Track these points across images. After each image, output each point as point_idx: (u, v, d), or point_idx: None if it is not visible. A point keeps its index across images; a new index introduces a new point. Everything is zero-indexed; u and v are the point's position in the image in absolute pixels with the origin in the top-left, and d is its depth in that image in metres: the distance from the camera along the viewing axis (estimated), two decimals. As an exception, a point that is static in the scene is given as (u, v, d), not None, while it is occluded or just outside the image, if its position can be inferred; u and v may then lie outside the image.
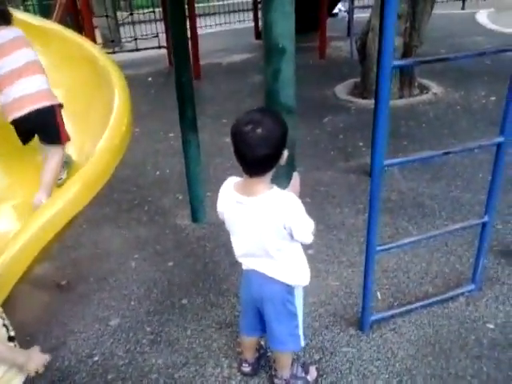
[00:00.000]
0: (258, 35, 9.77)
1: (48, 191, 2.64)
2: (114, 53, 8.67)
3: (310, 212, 3.50)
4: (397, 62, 1.92)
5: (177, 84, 3.25)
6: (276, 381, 2.17)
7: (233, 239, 1.97)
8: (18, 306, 2.73)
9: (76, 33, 3.37)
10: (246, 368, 2.25)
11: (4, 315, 1.77)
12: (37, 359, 1.71)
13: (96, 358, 2.41)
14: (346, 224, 3.36)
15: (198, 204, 3.50)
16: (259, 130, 1.66)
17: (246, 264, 1.99)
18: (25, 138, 2.77)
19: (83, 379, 2.30)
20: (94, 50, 3.06)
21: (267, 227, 1.79)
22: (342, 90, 6.21)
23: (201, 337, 2.48)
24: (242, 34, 10.82)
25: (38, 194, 2.65)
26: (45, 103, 2.68)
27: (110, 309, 2.74)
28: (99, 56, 2.97)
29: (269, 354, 2.31)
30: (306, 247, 3.03)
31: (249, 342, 2.23)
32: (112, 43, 9.08)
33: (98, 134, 2.47)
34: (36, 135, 2.78)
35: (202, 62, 7.66)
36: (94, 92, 2.92)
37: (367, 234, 2.21)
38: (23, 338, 2.52)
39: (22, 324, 2.65)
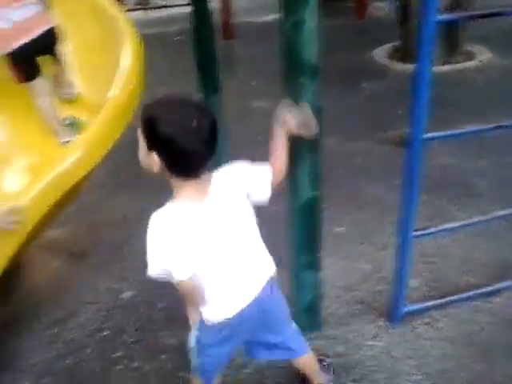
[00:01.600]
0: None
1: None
2: (143, 9, 8.43)
3: (341, 186, 3.28)
4: (441, 17, 1.64)
5: (196, 41, 3.03)
6: None
7: (213, 275, 1.45)
8: (27, 270, 2.63)
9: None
10: None
11: None
12: None
13: (105, 333, 2.29)
14: (380, 200, 3.09)
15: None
16: (206, 119, 1.31)
17: (238, 300, 1.51)
18: (27, 64, 2.65)
19: (89, 355, 2.19)
20: (105, 2, 2.85)
21: (238, 211, 1.45)
22: (380, 54, 5.83)
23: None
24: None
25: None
26: (52, 22, 2.67)
27: (122, 280, 2.61)
28: (110, 9, 2.77)
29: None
30: (335, 225, 2.84)
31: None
32: (141, -1, 8.81)
33: (106, 92, 2.30)
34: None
35: (235, 21, 7.34)
36: (103, 48, 2.73)
37: (402, 220, 1.96)
38: (31, 307, 2.43)
39: (31, 290, 2.57)
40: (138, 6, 8.48)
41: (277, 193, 1.56)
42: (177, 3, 8.70)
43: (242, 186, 1.47)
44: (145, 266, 2.64)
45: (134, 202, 3.25)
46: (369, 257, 2.63)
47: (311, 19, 1.61)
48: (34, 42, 2.55)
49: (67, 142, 2.64)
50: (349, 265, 2.58)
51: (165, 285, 2.44)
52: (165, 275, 1.39)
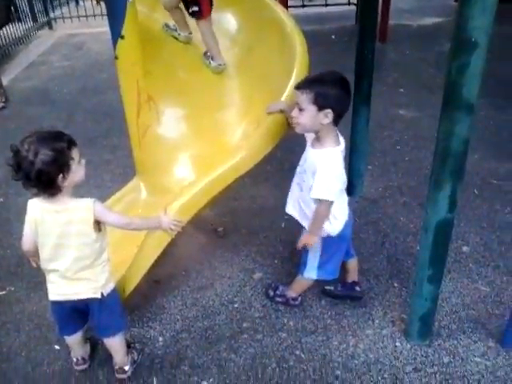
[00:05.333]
0: (458, -4, 8.95)
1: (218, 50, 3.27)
2: (303, 6, 8.70)
3: (474, 205, 3.31)
4: None
5: (357, 54, 3.15)
6: None
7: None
8: (180, 242, 3.06)
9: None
10: None
11: None
12: (165, 221, 2.17)
13: (236, 305, 2.63)
14: (513, 226, 3.08)
15: (357, 177, 3.48)
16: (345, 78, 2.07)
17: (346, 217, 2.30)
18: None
19: (221, 321, 2.53)
20: (283, 15, 3.09)
21: None
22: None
23: (333, 310, 2.55)
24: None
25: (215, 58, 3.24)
26: None
27: (255, 262, 2.93)
28: (288, 22, 2.98)
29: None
30: (462, 243, 2.91)
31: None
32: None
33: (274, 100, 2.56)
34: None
35: (390, 22, 7.28)
36: (275, 59, 2.99)
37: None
38: (179, 272, 2.87)
39: (181, 258, 3.00)
40: (300, 3, 8.74)
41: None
42: (338, 2, 8.87)
43: None
44: (276, 253, 2.96)
45: (272, 195, 3.57)
46: (490, 279, 2.67)
47: (477, 63, 1.67)
48: None
49: (217, 65, 3.25)
50: (469, 284, 2.64)
51: (291, 273, 2.75)
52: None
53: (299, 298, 2.59)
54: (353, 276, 2.60)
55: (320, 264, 2.37)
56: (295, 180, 2.32)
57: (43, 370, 2.30)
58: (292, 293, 2.58)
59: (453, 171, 1.88)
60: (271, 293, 2.65)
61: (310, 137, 2.21)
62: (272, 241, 3.12)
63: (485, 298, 2.55)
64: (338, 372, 2.21)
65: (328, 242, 2.29)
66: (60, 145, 1.79)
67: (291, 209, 2.39)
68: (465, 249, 2.89)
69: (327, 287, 2.61)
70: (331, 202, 2.11)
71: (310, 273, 2.41)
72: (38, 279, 2.71)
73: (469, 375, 2.15)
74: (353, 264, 2.58)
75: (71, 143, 1.84)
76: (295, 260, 2.90)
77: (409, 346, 2.31)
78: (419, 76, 5.83)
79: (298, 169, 2.29)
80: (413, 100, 5.16)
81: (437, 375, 2.16)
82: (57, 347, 2.41)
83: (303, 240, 2.26)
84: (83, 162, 1.91)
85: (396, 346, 2.31)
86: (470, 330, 2.37)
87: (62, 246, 1.92)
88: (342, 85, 2.03)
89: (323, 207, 2.12)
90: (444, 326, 2.39)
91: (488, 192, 3.44)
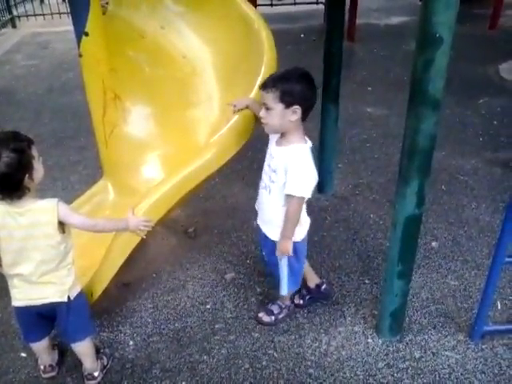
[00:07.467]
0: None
1: None
2: (271, 5, 8.73)
3: (441, 201, 3.35)
4: None
5: (326, 52, 3.16)
6: None
7: None
8: (150, 244, 3.03)
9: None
10: None
11: None
12: (133, 222, 2.08)
13: (208, 306, 2.60)
14: (480, 221, 3.13)
15: (327, 175, 3.49)
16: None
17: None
18: None
19: (194, 323, 2.50)
20: (250, 11, 3.07)
21: None
22: (508, 69, 5.62)
23: (305, 308, 2.54)
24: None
25: None
26: None
27: (227, 263, 2.91)
28: (255, 19, 2.96)
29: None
30: (430, 239, 2.94)
31: None
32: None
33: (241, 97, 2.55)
34: None
35: (358, 21, 7.35)
36: (242, 55, 2.97)
37: (499, 243, 2.03)
38: (150, 274, 2.82)
39: (151, 261, 2.95)
40: (268, 2, 8.76)
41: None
42: (306, 1, 8.94)
43: None
44: (248, 252, 2.95)
45: (243, 194, 3.56)
46: (459, 274, 2.71)
47: (442, 59, 1.69)
48: None
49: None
50: (438, 279, 2.68)
51: (263, 273, 2.73)
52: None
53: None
54: (313, 279, 2.55)
55: (289, 280, 2.30)
56: (261, 184, 2.23)
57: (9, 379, 2.23)
58: (286, 300, 2.49)
59: (420, 167, 1.89)
60: (272, 318, 2.46)
61: (273, 135, 2.16)
62: (244, 240, 3.09)
63: (454, 292, 2.58)
64: (311, 370, 2.21)
65: (296, 248, 2.19)
66: (21, 144, 1.74)
67: (259, 219, 2.33)
68: (434, 244, 2.93)
69: (297, 302, 2.54)
70: (303, 200, 2.07)
71: (283, 291, 2.34)
72: (2, 285, 2.62)
73: (439, 369, 2.17)
74: (306, 268, 2.50)
75: (30, 141, 1.79)
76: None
77: (380, 342, 2.32)
78: (387, 74, 5.92)
79: (264, 171, 2.19)
80: (381, 98, 5.22)
81: (408, 370, 2.17)
82: (23, 355, 2.34)
83: (280, 249, 2.15)
84: (41, 158, 1.86)
85: (368, 343, 2.32)
86: (440, 324, 2.40)
87: (26, 250, 1.86)
88: (307, 80, 2.01)
89: (295, 205, 2.04)
90: (415, 321, 2.42)
91: (455, 188, 3.50)
